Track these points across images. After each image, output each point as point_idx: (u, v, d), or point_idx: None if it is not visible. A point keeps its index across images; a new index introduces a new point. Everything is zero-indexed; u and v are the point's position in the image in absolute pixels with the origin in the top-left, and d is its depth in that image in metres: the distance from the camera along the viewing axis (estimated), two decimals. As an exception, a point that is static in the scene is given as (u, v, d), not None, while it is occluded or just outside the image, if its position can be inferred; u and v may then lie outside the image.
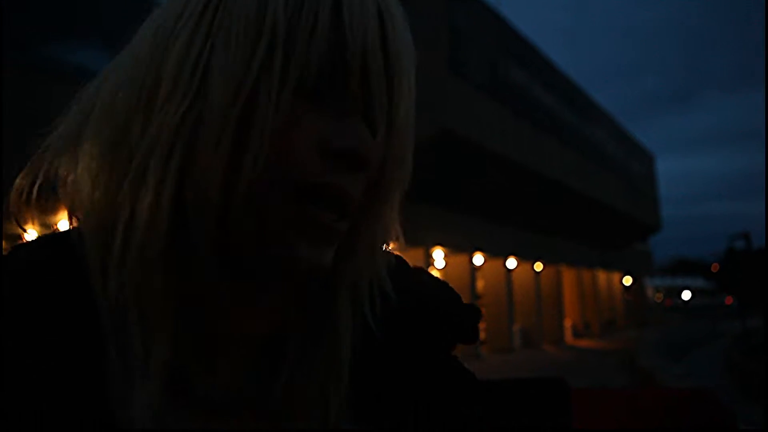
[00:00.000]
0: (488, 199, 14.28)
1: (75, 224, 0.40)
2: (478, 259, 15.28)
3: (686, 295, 64.62)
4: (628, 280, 28.68)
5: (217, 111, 0.35)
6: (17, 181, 0.41)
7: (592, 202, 19.10)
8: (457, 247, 14.05)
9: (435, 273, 0.56)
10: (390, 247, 0.49)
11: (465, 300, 0.51)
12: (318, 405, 0.41)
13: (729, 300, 47.85)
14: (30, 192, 0.41)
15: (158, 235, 0.36)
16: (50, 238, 0.41)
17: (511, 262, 16.87)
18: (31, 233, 0.42)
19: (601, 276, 26.16)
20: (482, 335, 16.61)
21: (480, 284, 16.62)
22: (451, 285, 0.52)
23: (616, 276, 28.31)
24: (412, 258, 0.49)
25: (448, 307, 0.50)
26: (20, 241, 0.41)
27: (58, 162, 0.41)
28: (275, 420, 0.40)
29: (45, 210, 0.41)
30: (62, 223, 0.40)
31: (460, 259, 14.71)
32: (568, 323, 21.31)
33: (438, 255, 13.82)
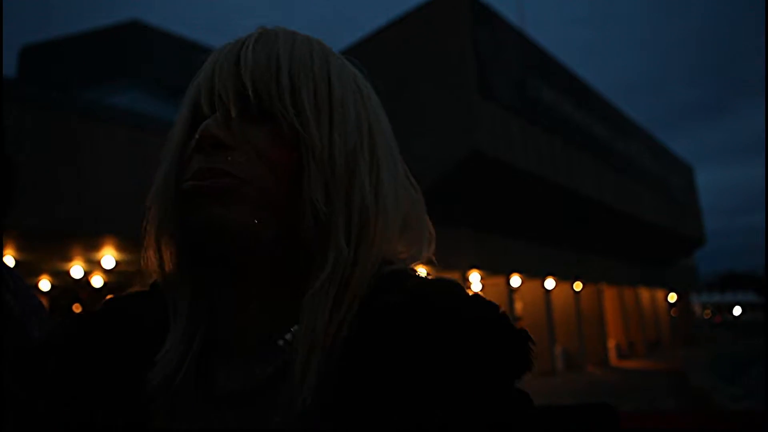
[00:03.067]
0: (523, 219, 14.09)
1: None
2: (516, 280, 15.03)
3: (737, 310, 61.95)
4: (672, 297, 27.70)
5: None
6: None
7: (631, 218, 18.63)
8: (494, 269, 13.86)
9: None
10: (424, 271, 0.53)
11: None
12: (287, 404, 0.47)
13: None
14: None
15: (173, 273, 0.54)
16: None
17: (550, 283, 16.52)
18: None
19: (645, 294, 25.34)
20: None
21: (518, 306, 16.31)
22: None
23: (660, 293, 27.39)
24: (448, 282, 0.48)
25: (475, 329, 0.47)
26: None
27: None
28: (285, 408, 0.48)
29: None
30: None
31: (496, 281, 14.49)
32: (611, 343, 20.64)
33: (474, 278, 13.66)
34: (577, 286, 18.21)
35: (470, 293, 0.50)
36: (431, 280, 0.52)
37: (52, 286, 10.92)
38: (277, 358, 0.50)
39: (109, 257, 8.96)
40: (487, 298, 0.50)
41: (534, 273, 15.68)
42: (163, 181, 0.53)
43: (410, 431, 0.43)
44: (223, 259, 0.52)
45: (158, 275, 0.55)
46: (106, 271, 9.80)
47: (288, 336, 0.50)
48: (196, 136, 0.50)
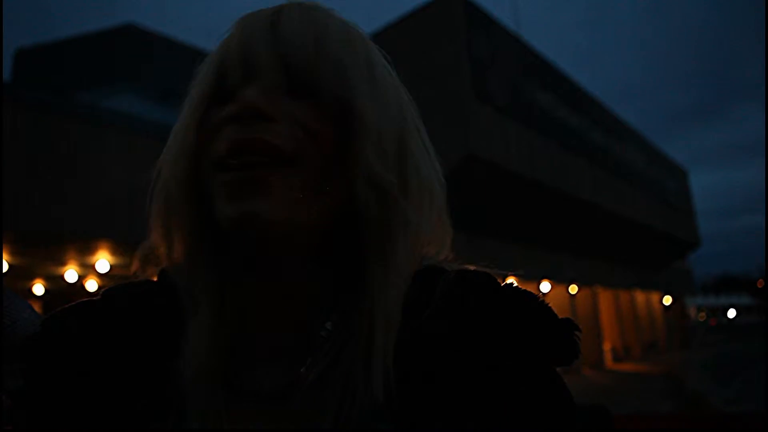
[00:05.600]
0: (518, 222, 14.12)
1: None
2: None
3: (731, 313, 62.18)
4: (668, 300, 27.78)
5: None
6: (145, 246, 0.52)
7: (626, 221, 18.69)
8: (493, 272, 13.85)
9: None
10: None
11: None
12: (345, 400, 0.44)
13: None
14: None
15: (191, 260, 0.49)
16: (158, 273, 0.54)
17: (545, 286, 16.55)
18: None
19: (640, 297, 25.40)
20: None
21: (514, 309, 16.30)
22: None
23: (655, 296, 27.46)
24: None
25: (529, 317, 0.47)
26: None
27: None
28: (309, 411, 0.44)
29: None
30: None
31: (492, 284, 14.48)
32: (607, 347, 20.67)
33: (469, 281, 13.65)
34: (573, 289, 18.24)
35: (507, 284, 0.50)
36: (471, 271, 0.51)
37: (46, 290, 10.86)
38: (323, 353, 0.46)
39: (103, 261, 8.92)
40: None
41: (529, 276, 15.69)
42: (179, 151, 0.48)
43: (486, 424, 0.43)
44: (255, 250, 0.47)
45: (167, 261, 0.50)
46: (100, 275, 9.75)
47: (329, 325, 0.47)
48: (232, 108, 0.45)
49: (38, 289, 10.80)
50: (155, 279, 0.53)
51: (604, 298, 21.90)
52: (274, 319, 0.49)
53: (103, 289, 0.54)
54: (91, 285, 10.33)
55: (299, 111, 0.45)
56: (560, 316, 0.48)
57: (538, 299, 0.48)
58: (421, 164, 0.50)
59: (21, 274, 9.62)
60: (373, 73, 0.49)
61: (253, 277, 0.49)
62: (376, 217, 0.46)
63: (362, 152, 0.45)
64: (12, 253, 8.01)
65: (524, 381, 0.45)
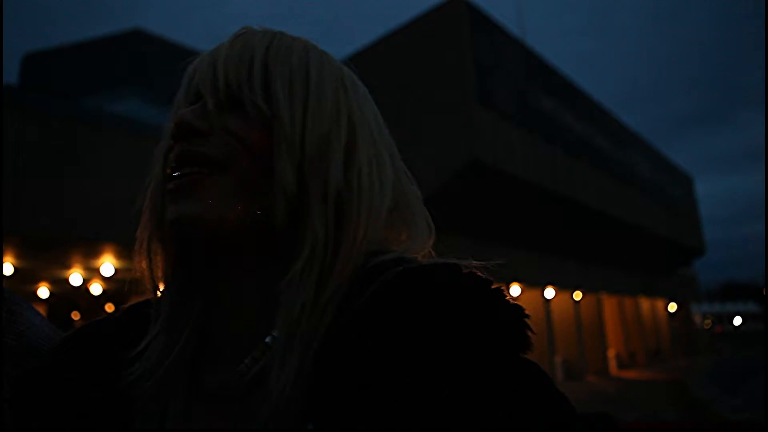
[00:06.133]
0: (523, 228, 14.09)
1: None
2: (515, 290, 15.00)
3: (737, 320, 61.78)
4: (673, 307, 27.63)
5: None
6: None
7: (630, 227, 18.63)
8: (493, 278, 13.81)
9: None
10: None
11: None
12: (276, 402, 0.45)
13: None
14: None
15: (163, 273, 0.56)
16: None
17: (549, 292, 16.49)
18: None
19: (645, 303, 25.29)
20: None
21: (518, 315, 16.23)
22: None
23: (660, 303, 27.33)
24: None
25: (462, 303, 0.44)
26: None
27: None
28: (249, 411, 0.48)
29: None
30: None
31: (496, 290, 14.43)
32: (611, 353, 20.57)
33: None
34: (577, 295, 18.18)
35: (465, 270, 0.47)
36: (425, 262, 0.50)
37: (51, 293, 10.89)
38: (260, 351, 0.48)
39: (108, 265, 8.95)
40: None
41: (534, 282, 15.65)
42: (153, 181, 0.55)
43: (410, 416, 0.41)
44: (206, 254, 0.53)
45: (147, 279, 0.55)
46: (105, 279, 9.78)
47: (275, 332, 0.48)
48: (172, 125, 0.51)
49: (43, 292, 10.84)
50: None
51: (609, 304, 21.81)
52: (230, 322, 0.52)
53: (105, 307, 0.61)
54: (96, 288, 10.36)
55: (231, 122, 0.51)
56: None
57: (485, 289, 0.46)
58: (358, 166, 0.52)
59: (26, 278, 9.66)
60: (306, 83, 0.52)
61: (208, 282, 0.54)
62: (285, 222, 0.49)
63: (277, 160, 0.49)
64: (17, 257, 8.04)
65: (454, 372, 0.42)
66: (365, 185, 0.52)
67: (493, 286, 0.47)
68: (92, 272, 9.49)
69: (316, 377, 0.44)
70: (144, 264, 0.55)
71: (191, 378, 0.52)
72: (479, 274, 0.48)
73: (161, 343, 0.52)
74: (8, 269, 8.32)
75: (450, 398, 0.41)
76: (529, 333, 0.44)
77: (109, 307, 10.59)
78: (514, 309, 0.45)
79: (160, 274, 0.55)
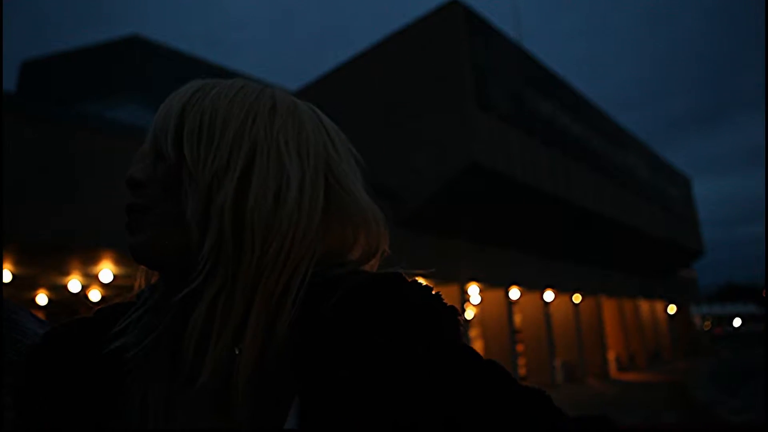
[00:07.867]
0: (522, 231, 14.10)
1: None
2: (515, 293, 14.99)
3: (737, 322, 61.75)
4: (672, 309, 27.62)
5: None
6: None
7: (629, 229, 18.64)
8: (492, 281, 13.83)
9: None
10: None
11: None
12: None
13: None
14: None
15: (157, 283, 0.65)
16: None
17: (549, 295, 16.48)
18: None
19: (644, 306, 25.28)
20: (522, 371, 16.21)
21: (518, 319, 16.25)
22: (462, 314, 0.52)
23: (659, 305, 27.32)
24: (446, 294, 0.48)
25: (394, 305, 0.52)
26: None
27: None
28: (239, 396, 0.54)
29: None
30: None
31: (495, 294, 14.45)
32: (611, 356, 20.55)
33: (473, 291, 13.62)
34: (576, 298, 18.17)
35: (408, 281, 0.55)
36: (366, 275, 0.56)
37: (49, 300, 10.86)
38: (225, 368, 0.55)
39: (107, 271, 8.93)
40: (487, 311, 0.51)
41: (533, 285, 15.64)
42: None
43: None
44: (161, 271, 0.63)
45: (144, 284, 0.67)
46: (103, 286, 9.76)
47: (241, 346, 0.55)
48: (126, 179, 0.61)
49: (42, 299, 10.81)
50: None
51: (608, 307, 21.80)
52: (201, 329, 0.58)
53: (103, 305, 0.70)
54: (95, 295, 10.34)
55: (159, 171, 0.60)
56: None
57: (419, 295, 0.53)
58: (259, 195, 0.57)
59: (25, 284, 9.63)
60: (210, 122, 0.59)
61: (188, 301, 0.59)
62: (198, 247, 0.56)
63: (183, 195, 0.57)
64: (16, 263, 8.02)
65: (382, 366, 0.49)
66: (264, 207, 0.56)
67: (432, 292, 0.54)
68: (91, 279, 9.47)
69: (294, 365, 0.51)
70: (141, 273, 0.67)
71: (173, 360, 0.59)
72: (420, 281, 0.55)
73: (146, 322, 0.61)
74: (7, 276, 8.30)
75: (399, 384, 0.49)
76: (461, 327, 0.54)
77: (108, 314, 10.50)
78: (450, 308, 0.53)
79: (154, 280, 0.65)
